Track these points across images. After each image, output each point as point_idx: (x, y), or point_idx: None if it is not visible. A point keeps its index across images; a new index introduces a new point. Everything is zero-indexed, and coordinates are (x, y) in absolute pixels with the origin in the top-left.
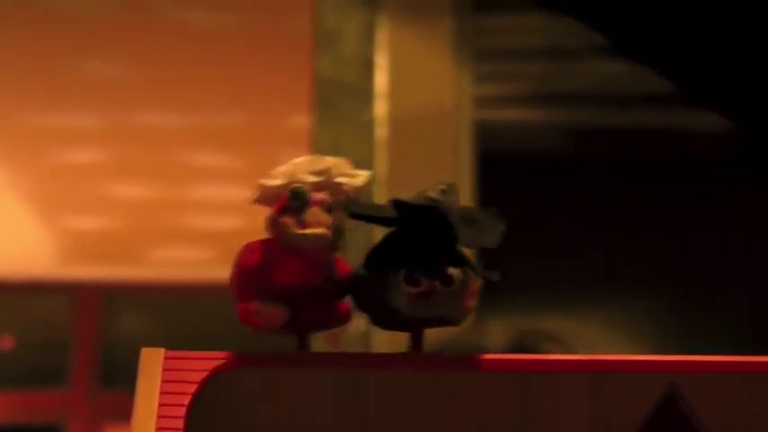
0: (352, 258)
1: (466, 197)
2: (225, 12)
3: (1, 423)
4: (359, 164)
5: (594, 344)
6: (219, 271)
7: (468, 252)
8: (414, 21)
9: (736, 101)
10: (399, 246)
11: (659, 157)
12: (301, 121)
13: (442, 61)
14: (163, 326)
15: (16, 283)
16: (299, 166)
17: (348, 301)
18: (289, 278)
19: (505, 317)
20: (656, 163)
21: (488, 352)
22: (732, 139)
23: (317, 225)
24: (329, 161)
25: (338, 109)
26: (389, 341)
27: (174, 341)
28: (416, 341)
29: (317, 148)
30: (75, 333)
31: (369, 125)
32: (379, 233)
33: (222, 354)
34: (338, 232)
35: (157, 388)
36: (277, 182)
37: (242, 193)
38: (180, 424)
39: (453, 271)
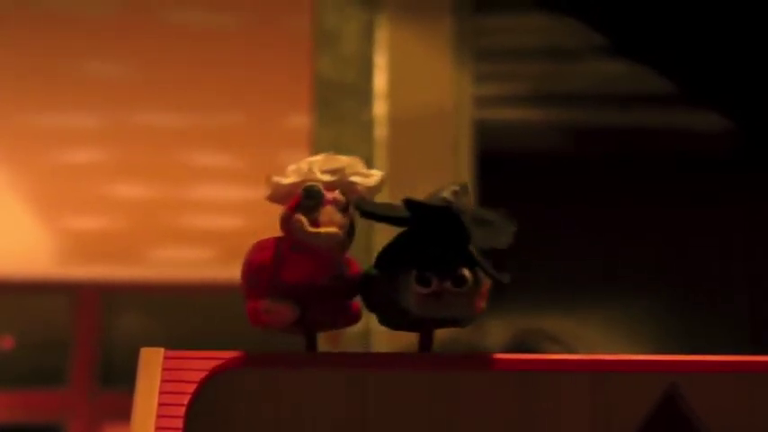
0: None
1: None
2: (225, 12)
3: (1, 423)
4: None
5: (594, 344)
6: (219, 271)
7: (478, 253)
8: (414, 21)
9: (736, 101)
10: (411, 246)
11: (659, 157)
12: (301, 121)
13: (442, 61)
14: (162, 326)
15: (16, 283)
16: (312, 164)
17: (358, 301)
18: (299, 276)
19: (505, 317)
20: (656, 163)
21: (489, 352)
22: (732, 139)
23: (330, 224)
24: (343, 160)
25: (338, 109)
26: (389, 341)
27: (173, 341)
28: (425, 342)
29: (317, 148)
30: (75, 333)
31: (369, 125)
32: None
33: (222, 354)
34: (351, 232)
35: (157, 388)
36: (290, 180)
37: (242, 193)
38: (179, 424)
39: (465, 272)
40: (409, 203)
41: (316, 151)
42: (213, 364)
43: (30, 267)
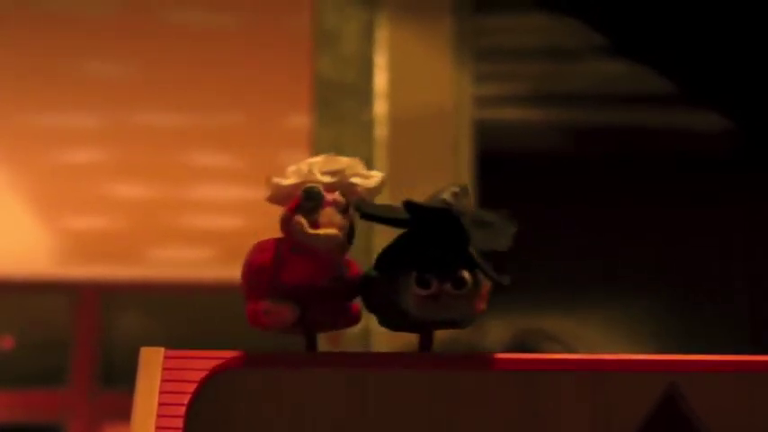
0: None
1: None
2: (225, 12)
3: (1, 423)
4: None
5: (594, 344)
6: (219, 271)
7: (478, 255)
8: (414, 21)
9: (736, 101)
10: (411, 247)
11: (659, 157)
12: (301, 121)
13: (442, 61)
14: (162, 326)
15: (16, 282)
16: (312, 166)
17: (358, 302)
18: (299, 277)
19: (506, 316)
20: (656, 163)
21: (489, 352)
22: (732, 139)
23: (330, 226)
24: (343, 161)
25: (338, 109)
26: (389, 341)
27: (173, 341)
28: (425, 342)
29: (317, 148)
30: (75, 333)
31: (369, 125)
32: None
33: (222, 353)
34: (351, 233)
35: (157, 388)
36: (290, 181)
37: (242, 193)
38: (179, 423)
39: (465, 274)
40: (409, 205)
41: (316, 151)
42: (213, 363)
43: (30, 267)
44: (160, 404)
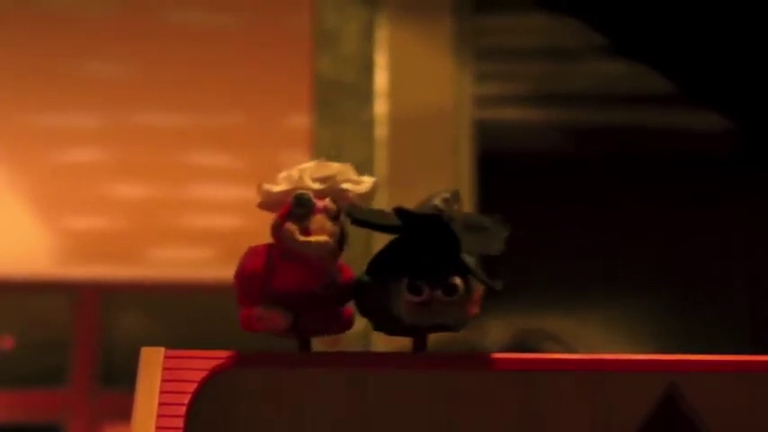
0: (350, 263)
1: (466, 197)
2: (225, 12)
3: (1, 423)
4: (359, 164)
5: (594, 344)
6: (219, 271)
7: (472, 260)
8: (414, 21)
9: (736, 101)
10: (402, 254)
11: (659, 157)
12: (301, 121)
13: (442, 61)
14: (162, 326)
15: (16, 283)
16: (303, 172)
17: (351, 306)
18: (290, 284)
19: (505, 316)
20: (656, 163)
21: (489, 352)
22: (732, 139)
23: (320, 232)
24: (334, 167)
25: (338, 109)
26: (389, 341)
27: (173, 341)
28: (419, 346)
29: (317, 148)
30: (75, 333)
31: (369, 125)
32: (378, 238)
33: (222, 353)
34: (342, 239)
35: (157, 388)
36: (281, 187)
37: (242, 193)
38: (180, 423)
39: (456, 280)
40: (399, 212)
41: (316, 151)
42: (213, 363)
43: (30, 267)
44: (160, 404)
